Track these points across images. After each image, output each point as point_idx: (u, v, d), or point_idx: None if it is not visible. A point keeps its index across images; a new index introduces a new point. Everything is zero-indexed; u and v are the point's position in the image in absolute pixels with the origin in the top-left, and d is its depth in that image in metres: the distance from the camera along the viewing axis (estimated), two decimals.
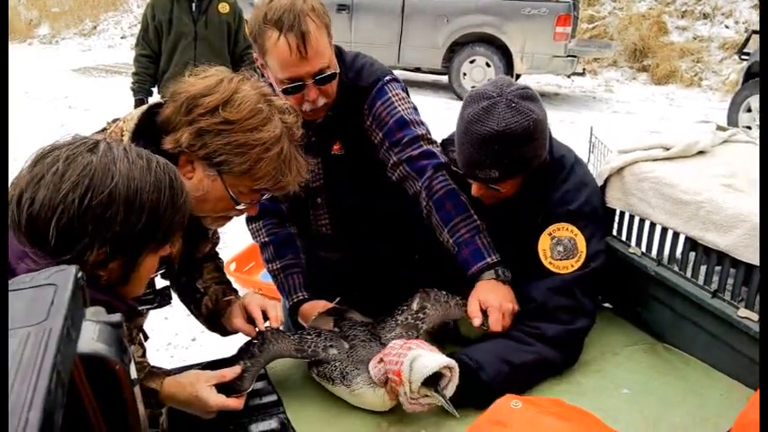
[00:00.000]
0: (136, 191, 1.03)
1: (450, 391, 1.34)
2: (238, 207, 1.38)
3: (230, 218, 1.44)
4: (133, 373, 0.69)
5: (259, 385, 1.53)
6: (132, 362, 0.70)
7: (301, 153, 1.39)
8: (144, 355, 1.45)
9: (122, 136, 1.32)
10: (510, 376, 1.45)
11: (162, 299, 1.42)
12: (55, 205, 0.98)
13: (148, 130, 1.34)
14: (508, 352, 1.49)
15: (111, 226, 1.02)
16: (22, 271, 0.97)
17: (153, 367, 1.38)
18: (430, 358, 1.32)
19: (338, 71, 1.67)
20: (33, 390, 0.48)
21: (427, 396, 1.32)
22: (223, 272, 1.72)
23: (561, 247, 1.56)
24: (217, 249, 1.71)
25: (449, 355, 1.45)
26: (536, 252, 1.58)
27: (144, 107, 1.38)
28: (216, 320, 1.61)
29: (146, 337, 1.54)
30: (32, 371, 0.50)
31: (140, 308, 1.38)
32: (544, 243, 1.57)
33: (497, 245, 1.64)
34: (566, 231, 1.57)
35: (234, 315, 1.57)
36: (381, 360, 1.39)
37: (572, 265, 1.56)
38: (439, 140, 1.80)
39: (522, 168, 1.56)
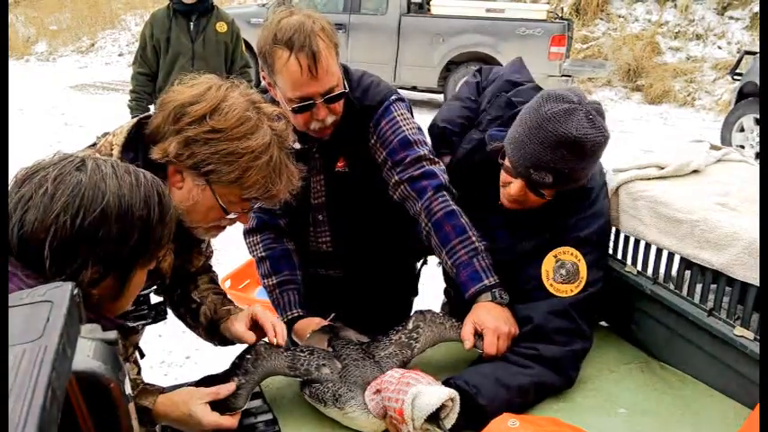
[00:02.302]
0: (127, 208, 1.02)
1: (450, 421, 1.33)
2: (229, 217, 1.37)
3: (222, 228, 1.42)
4: (128, 389, 0.68)
5: (254, 404, 1.51)
6: (127, 378, 0.69)
7: (292, 161, 1.37)
8: (138, 372, 1.44)
9: (112, 149, 1.31)
10: (507, 399, 1.44)
11: (157, 314, 1.41)
12: (47, 227, 0.97)
13: (138, 142, 1.33)
14: (505, 375, 1.49)
15: (105, 245, 1.01)
16: (9, 291, 0.96)
17: (146, 385, 1.36)
18: (432, 395, 1.30)
19: (347, 90, 1.68)
20: (28, 407, 0.48)
21: (428, 430, 1.31)
22: (218, 284, 1.71)
23: (564, 271, 1.56)
24: (210, 263, 1.71)
25: (445, 381, 1.46)
26: (535, 269, 1.58)
27: (133, 120, 1.37)
28: (214, 329, 1.59)
29: (142, 355, 1.53)
30: (27, 388, 0.50)
31: (135, 324, 1.37)
32: (548, 264, 1.57)
33: (499, 260, 1.63)
34: (570, 256, 1.57)
35: (238, 321, 1.54)
36: (378, 391, 1.38)
37: (571, 290, 1.56)
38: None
39: (572, 182, 1.54)
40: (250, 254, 1.94)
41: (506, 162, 1.57)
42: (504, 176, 1.60)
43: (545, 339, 1.54)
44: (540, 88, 1.71)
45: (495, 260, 1.65)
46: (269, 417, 1.49)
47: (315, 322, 1.73)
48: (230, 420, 1.35)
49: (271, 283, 1.86)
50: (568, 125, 1.42)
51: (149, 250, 1.09)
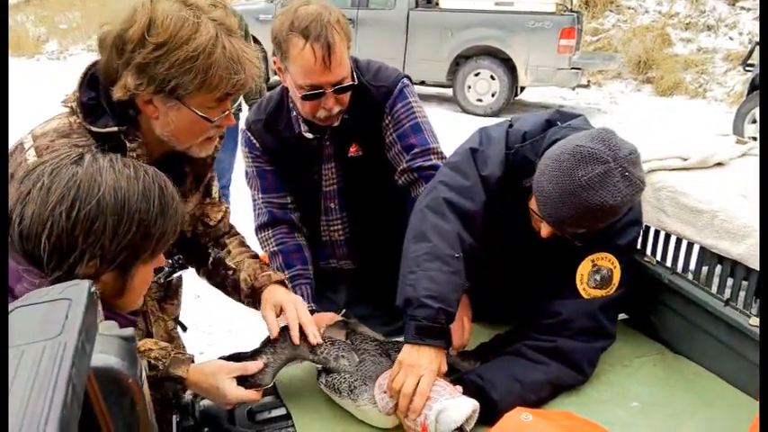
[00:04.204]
0: (124, 200, 1.01)
1: (471, 425, 1.33)
2: (214, 123, 1.33)
3: (214, 138, 1.39)
4: (143, 381, 0.69)
5: (268, 399, 1.53)
6: (143, 372, 0.70)
7: (246, 43, 1.33)
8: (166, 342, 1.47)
9: (74, 96, 1.30)
10: (521, 395, 1.44)
11: (174, 263, 1.44)
12: (44, 220, 0.97)
13: (97, 81, 1.30)
14: (520, 370, 1.49)
15: (101, 238, 1.00)
16: (20, 292, 0.96)
17: (178, 352, 1.37)
18: (457, 410, 1.31)
19: (356, 83, 1.71)
20: (50, 404, 0.49)
21: None
22: (249, 246, 1.70)
23: (599, 276, 1.55)
24: (232, 224, 1.70)
25: (459, 379, 1.46)
26: (570, 269, 1.56)
27: (88, 63, 1.34)
28: (256, 297, 1.59)
29: (184, 328, 1.57)
30: (48, 385, 0.51)
31: (156, 277, 1.39)
32: (584, 268, 1.55)
33: (532, 251, 1.58)
34: (607, 262, 1.55)
35: (268, 307, 1.54)
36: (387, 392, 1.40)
37: (602, 295, 1.56)
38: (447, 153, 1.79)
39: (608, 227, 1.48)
40: (262, 249, 1.95)
41: (534, 207, 1.47)
42: (532, 211, 1.51)
43: (567, 335, 1.53)
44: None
45: (530, 252, 1.60)
46: (282, 411, 1.50)
47: (328, 317, 1.74)
48: (255, 395, 1.38)
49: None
50: (604, 193, 1.33)
51: (151, 245, 1.07)
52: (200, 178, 1.52)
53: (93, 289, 0.67)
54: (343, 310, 1.77)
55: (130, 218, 1.02)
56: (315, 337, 1.49)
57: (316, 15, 1.58)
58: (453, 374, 1.51)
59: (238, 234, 1.70)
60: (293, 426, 1.45)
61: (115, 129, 1.27)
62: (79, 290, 0.65)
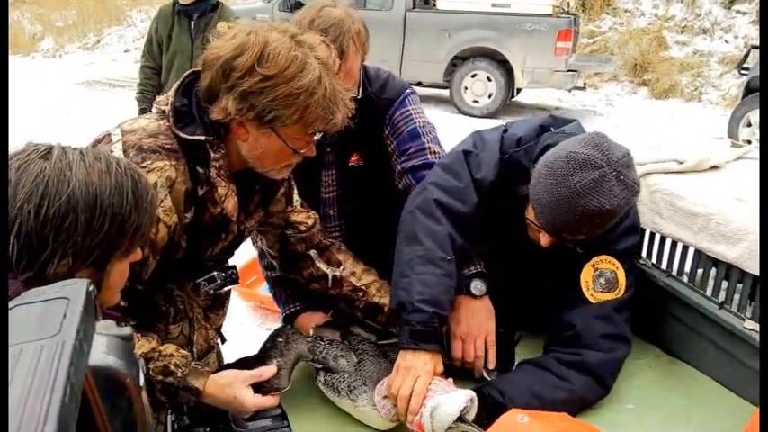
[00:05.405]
0: (95, 196, 0.97)
1: (471, 415, 1.33)
2: (299, 154, 1.37)
3: (292, 164, 1.42)
4: (141, 381, 0.69)
5: None
6: (141, 372, 0.70)
7: (340, 83, 1.36)
8: (219, 357, 1.51)
9: (168, 100, 1.33)
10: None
11: (227, 277, 1.46)
12: (12, 218, 0.94)
13: (192, 90, 1.34)
14: (542, 387, 1.45)
15: (73, 235, 0.96)
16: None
17: (198, 363, 1.37)
18: (450, 405, 1.30)
19: (359, 96, 1.72)
20: (48, 403, 0.49)
21: (451, 428, 1.31)
22: (361, 261, 1.70)
23: (603, 280, 1.54)
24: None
25: (478, 390, 1.43)
26: (570, 275, 1.54)
27: (185, 75, 1.38)
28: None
29: (223, 340, 1.58)
30: (47, 384, 0.51)
31: (208, 288, 1.42)
32: (587, 274, 1.54)
33: (529, 257, 1.57)
34: (608, 264, 1.54)
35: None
36: (387, 397, 1.40)
37: (611, 298, 1.54)
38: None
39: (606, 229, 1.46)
40: (254, 245, 1.94)
41: (531, 216, 1.47)
42: (529, 221, 1.51)
43: (589, 345, 1.49)
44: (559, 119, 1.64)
45: (526, 258, 1.59)
46: (278, 411, 1.49)
47: (317, 317, 1.74)
48: (272, 400, 1.39)
49: (272, 275, 1.87)
50: (600, 198, 1.32)
51: (125, 240, 1.04)
52: (267, 197, 1.54)
53: (90, 288, 0.67)
54: (331, 311, 1.76)
55: (103, 213, 0.98)
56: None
57: (338, 21, 1.60)
58: (472, 385, 1.48)
59: (345, 251, 1.71)
60: (289, 426, 1.45)
61: (202, 138, 1.30)
62: (77, 289, 0.65)
